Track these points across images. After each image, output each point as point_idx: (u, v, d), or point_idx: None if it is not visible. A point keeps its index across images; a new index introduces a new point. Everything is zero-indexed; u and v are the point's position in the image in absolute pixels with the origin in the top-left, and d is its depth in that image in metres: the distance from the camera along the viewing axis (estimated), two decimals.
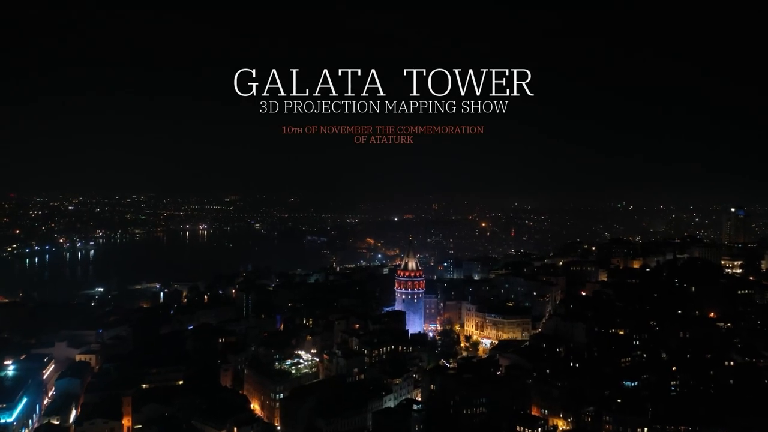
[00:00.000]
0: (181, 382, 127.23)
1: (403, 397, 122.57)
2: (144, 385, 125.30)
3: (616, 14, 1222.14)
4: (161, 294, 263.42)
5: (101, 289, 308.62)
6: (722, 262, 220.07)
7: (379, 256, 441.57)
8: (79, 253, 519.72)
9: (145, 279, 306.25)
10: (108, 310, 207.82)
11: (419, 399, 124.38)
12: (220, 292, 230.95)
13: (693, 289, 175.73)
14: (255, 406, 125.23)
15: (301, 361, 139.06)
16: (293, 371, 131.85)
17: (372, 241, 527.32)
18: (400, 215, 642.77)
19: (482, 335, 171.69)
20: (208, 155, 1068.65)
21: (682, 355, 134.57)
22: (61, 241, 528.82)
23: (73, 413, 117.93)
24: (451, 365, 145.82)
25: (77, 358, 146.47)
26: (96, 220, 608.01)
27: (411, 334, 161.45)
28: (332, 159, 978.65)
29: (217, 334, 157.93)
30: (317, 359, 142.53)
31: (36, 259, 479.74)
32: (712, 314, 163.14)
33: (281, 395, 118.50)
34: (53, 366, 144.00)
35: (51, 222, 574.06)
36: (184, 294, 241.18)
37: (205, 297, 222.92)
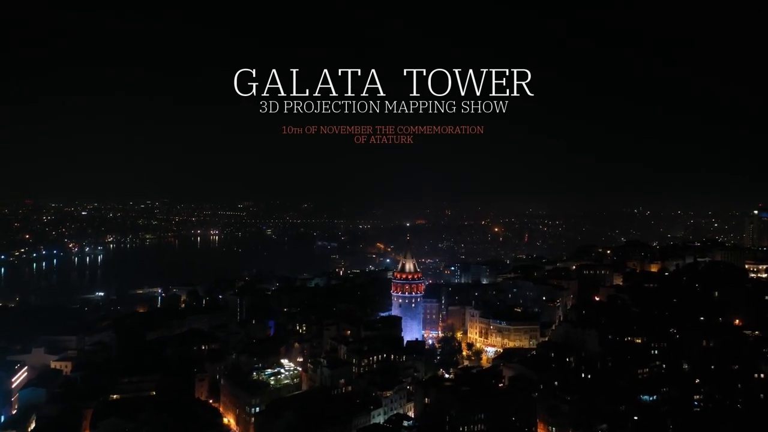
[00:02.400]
0: (153, 393, 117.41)
1: (394, 412, 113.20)
2: (114, 396, 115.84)
3: (616, 14, 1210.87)
4: (159, 299, 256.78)
5: (101, 294, 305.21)
6: (746, 266, 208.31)
7: (388, 261, 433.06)
8: (88, 258, 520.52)
9: (147, 283, 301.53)
10: (102, 315, 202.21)
11: (412, 414, 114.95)
12: (220, 296, 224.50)
13: (716, 293, 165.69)
14: (230, 420, 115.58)
15: (282, 371, 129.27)
16: (272, 382, 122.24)
17: (382, 246, 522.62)
18: (413, 220, 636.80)
19: (486, 343, 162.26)
20: (212, 157, 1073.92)
21: (706, 366, 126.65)
22: (70, 246, 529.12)
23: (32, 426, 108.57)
24: (450, 376, 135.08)
25: (52, 365, 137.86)
26: (107, 225, 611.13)
27: (407, 341, 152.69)
28: (341, 164, 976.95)
29: (201, 341, 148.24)
30: (300, 369, 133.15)
31: (43, 264, 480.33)
32: (737, 321, 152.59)
33: (257, 408, 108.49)
34: (26, 373, 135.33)
35: (62, 227, 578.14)
36: (182, 299, 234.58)
37: (204, 302, 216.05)
